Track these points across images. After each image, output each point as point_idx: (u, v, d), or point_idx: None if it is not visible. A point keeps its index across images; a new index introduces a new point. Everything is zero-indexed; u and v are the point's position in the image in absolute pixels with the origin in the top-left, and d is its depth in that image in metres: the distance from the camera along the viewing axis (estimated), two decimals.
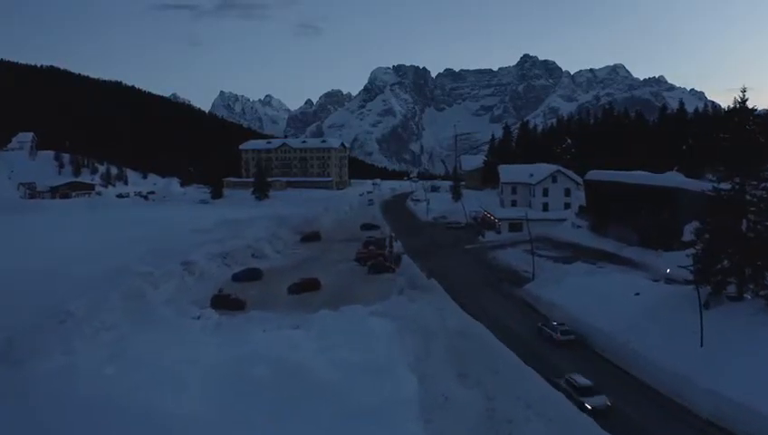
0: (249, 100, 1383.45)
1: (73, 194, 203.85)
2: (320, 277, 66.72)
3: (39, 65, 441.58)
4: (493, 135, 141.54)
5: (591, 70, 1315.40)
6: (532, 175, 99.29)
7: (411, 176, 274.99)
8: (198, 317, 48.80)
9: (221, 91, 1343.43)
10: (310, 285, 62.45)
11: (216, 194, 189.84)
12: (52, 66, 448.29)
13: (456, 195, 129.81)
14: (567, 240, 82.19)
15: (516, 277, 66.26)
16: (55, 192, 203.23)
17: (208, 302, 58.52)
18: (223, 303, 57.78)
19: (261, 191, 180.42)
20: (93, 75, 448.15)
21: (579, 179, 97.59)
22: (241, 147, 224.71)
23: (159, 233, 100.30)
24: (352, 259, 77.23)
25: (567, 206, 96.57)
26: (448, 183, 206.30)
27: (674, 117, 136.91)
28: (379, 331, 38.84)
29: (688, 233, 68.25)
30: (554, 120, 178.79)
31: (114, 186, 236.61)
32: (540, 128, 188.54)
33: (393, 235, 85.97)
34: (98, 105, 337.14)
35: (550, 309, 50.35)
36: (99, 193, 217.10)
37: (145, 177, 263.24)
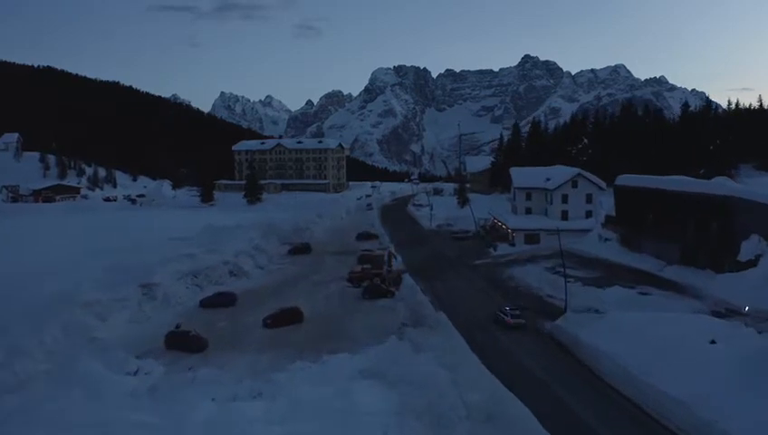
0: (249, 100, 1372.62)
1: (57, 198, 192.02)
2: (304, 304, 54.95)
3: (36, 65, 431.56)
4: (501, 135, 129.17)
5: (592, 70, 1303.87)
6: (549, 179, 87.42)
7: (412, 178, 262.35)
8: (135, 373, 36.96)
9: (221, 92, 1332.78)
10: (289, 317, 50.59)
11: (206, 197, 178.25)
12: (49, 66, 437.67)
13: (462, 200, 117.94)
14: (594, 256, 70.30)
15: (542, 305, 54.43)
16: (38, 195, 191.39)
17: (162, 340, 46.82)
18: (179, 342, 45.96)
19: (252, 195, 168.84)
20: (91, 76, 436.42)
21: (602, 184, 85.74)
22: (234, 147, 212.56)
23: (132, 243, 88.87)
24: (345, 278, 65.38)
25: (588, 214, 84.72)
26: (452, 185, 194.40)
27: (697, 116, 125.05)
28: (371, 408, 27.03)
29: (747, 251, 56.72)
30: (566, 119, 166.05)
31: (102, 189, 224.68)
32: (549, 128, 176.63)
33: (392, 250, 73.58)
34: (93, 106, 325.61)
35: (595, 359, 38.48)
36: (85, 196, 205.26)
37: (135, 179, 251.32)
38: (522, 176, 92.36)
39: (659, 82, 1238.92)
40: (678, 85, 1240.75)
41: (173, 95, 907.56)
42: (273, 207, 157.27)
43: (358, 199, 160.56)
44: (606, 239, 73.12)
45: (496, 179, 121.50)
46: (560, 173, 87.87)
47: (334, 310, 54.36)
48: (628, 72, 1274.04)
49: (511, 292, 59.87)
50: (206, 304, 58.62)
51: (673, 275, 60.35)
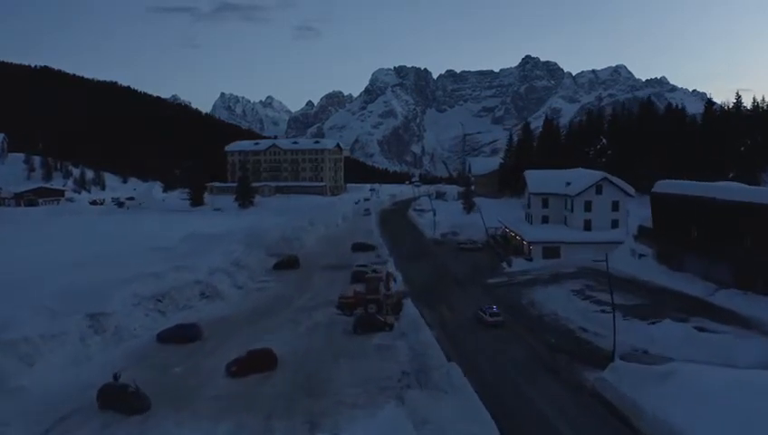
0: (250, 101, 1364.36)
1: (41, 201, 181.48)
2: (281, 341, 44.36)
3: (33, 65, 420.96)
4: (510, 135, 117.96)
5: (593, 71, 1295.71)
6: (569, 184, 76.61)
7: (413, 180, 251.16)
8: None
9: (222, 93, 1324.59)
10: (259, 363, 39.77)
11: (196, 201, 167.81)
12: (45, 66, 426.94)
13: (469, 205, 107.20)
14: (629, 275, 59.45)
15: (575, 343, 43.64)
16: (20, 198, 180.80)
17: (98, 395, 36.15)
18: (115, 400, 35.27)
19: (244, 198, 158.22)
20: (90, 76, 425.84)
21: (629, 189, 74.94)
22: (227, 148, 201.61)
23: (106, 253, 78.38)
24: (335, 304, 54.58)
25: (614, 224, 73.94)
26: (455, 188, 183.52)
27: (723, 115, 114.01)
28: None
29: None
30: (583, 117, 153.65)
31: (89, 191, 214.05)
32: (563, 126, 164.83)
33: (391, 269, 62.26)
34: (86, 106, 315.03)
35: None
36: (70, 199, 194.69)
37: (125, 181, 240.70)
38: (538, 180, 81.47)
39: (660, 82, 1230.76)
40: (679, 86, 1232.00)
41: (173, 96, 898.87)
42: (265, 211, 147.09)
43: (356, 204, 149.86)
44: (640, 255, 62.35)
45: (505, 182, 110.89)
46: (582, 177, 77.06)
47: (318, 350, 43.51)
48: (629, 72, 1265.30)
49: (535, 323, 49.08)
50: (165, 337, 47.89)
51: (728, 303, 49.55)
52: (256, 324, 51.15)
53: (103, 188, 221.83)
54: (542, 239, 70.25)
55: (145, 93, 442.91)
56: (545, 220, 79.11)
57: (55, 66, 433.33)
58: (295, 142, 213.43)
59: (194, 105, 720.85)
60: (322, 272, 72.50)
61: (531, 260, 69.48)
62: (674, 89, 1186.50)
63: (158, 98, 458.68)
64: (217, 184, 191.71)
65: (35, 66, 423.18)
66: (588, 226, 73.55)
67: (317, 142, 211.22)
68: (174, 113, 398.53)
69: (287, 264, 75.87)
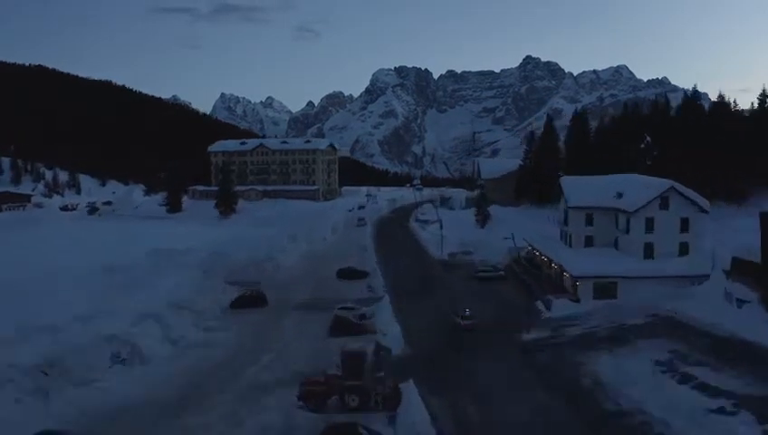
0: (250, 102, 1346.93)
1: (4, 207, 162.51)
2: None
3: (27, 64, 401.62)
4: (532, 132, 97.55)
5: (594, 71, 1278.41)
6: (621, 195, 57.15)
7: (414, 183, 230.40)
8: None
9: (222, 93, 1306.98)
10: None
11: (173, 207, 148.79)
12: (39, 65, 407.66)
13: (483, 217, 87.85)
14: (723, 331, 40.12)
15: None
16: None
17: None
18: None
19: (225, 204, 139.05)
20: (84, 75, 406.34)
21: (704, 203, 55.53)
22: (210, 148, 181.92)
23: (42, 276, 60.09)
24: (297, 393, 34.92)
25: (683, 249, 54.58)
26: (461, 192, 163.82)
27: None
28: None
29: None
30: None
31: (62, 195, 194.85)
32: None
33: (382, 348, 40.69)
34: (75, 105, 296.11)
35: None
36: (39, 205, 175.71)
37: (103, 184, 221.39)
38: (578, 189, 61.57)
39: (661, 83, 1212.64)
40: (680, 86, 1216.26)
41: (173, 96, 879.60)
42: (247, 219, 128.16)
43: (349, 211, 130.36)
44: (740, 301, 42.92)
45: (525, 188, 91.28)
46: (638, 187, 57.45)
47: None
48: (631, 72, 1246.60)
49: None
50: None
51: None
52: (172, 423, 31.99)
53: (78, 191, 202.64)
54: (593, 273, 50.75)
55: (140, 92, 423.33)
56: (589, 242, 59.59)
57: (56, 66, 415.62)
58: (285, 142, 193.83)
59: (194, 106, 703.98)
60: (294, 314, 53.32)
61: (578, 301, 50.11)
62: (675, 89, 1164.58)
63: (154, 97, 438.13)
64: (201, 187, 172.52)
65: (29, 64, 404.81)
66: (649, 251, 54.12)
67: (308, 142, 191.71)
68: (170, 113, 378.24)
69: (249, 300, 56.58)
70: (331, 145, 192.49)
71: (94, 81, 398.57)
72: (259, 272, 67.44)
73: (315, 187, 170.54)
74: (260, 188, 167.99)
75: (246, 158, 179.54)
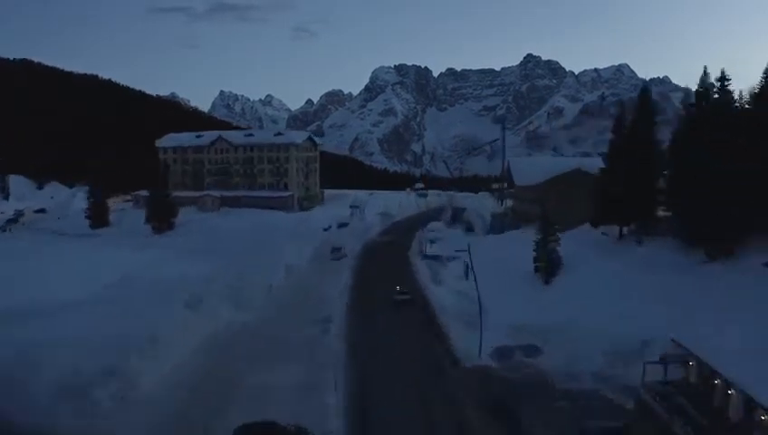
0: (249, 100, 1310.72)
1: None
2: None
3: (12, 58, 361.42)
4: (621, 112, 57.78)
5: (596, 69, 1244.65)
6: None
7: (416, 187, 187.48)
8: None
9: (221, 91, 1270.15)
10: None
11: (96, 220, 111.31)
12: (24, 58, 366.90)
13: (550, 266, 47.48)
14: None
15: None
16: None
17: None
18: None
19: (158, 218, 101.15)
20: (80, 72, 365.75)
21: None
22: (158, 143, 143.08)
23: None
24: None
25: None
26: (473, 197, 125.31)
27: None
28: None
29: None
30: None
31: None
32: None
33: None
34: (47, 100, 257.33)
35: None
36: None
37: (41, 187, 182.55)
38: None
39: (663, 81, 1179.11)
40: (682, 85, 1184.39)
41: (171, 93, 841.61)
42: (183, 241, 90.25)
43: (324, 230, 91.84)
44: None
45: (613, 207, 51.62)
46: None
47: None
48: (633, 71, 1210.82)
49: None
50: None
51: None
52: None
53: (7, 197, 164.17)
54: None
55: (127, 87, 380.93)
56: None
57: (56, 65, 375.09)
58: (250, 135, 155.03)
59: (193, 103, 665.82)
60: None
61: None
62: (677, 88, 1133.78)
63: (141, 92, 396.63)
64: (143, 193, 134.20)
65: (14, 59, 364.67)
66: None
67: (279, 135, 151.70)
68: (155, 107, 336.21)
69: None
70: (310, 139, 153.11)
71: (77, 74, 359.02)
72: (82, 409, 29.08)
73: (288, 193, 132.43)
74: (217, 193, 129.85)
75: (203, 155, 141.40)
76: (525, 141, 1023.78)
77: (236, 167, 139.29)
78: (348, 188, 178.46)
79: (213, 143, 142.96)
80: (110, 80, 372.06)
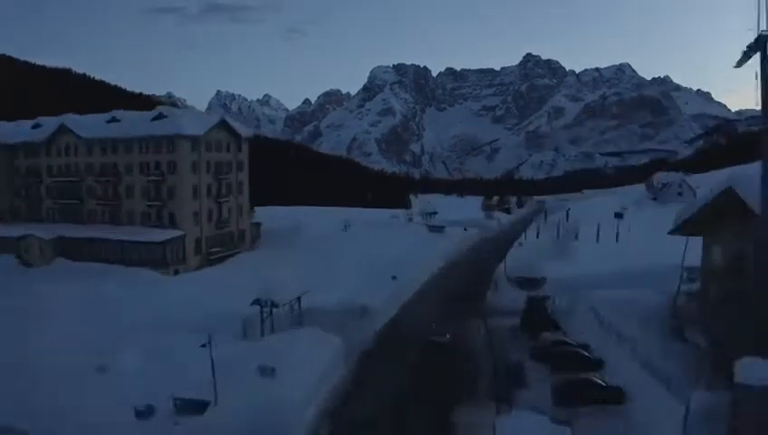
0: (246, 99, 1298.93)
1: None
2: None
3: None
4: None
5: (597, 69, 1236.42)
6: None
7: (423, 209, 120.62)
8: None
9: (218, 91, 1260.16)
10: None
11: None
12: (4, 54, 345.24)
13: None
14: None
15: None
16: None
17: None
18: None
19: None
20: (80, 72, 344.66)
21: None
22: None
23: None
24: None
25: None
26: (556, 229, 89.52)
27: None
28: None
29: None
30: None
31: None
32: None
33: None
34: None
35: None
36: None
37: None
38: None
39: (664, 81, 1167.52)
40: (683, 85, 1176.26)
41: (168, 93, 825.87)
42: None
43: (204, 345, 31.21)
44: None
45: None
46: None
47: None
48: (634, 71, 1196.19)
49: None
50: None
51: None
52: None
53: None
54: None
55: (102, 81, 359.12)
56: None
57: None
58: (114, 120, 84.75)
59: (189, 103, 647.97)
60: None
61: None
62: (678, 88, 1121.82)
63: (117, 87, 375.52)
64: None
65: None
66: None
67: (160, 118, 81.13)
68: (146, 109, 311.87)
69: None
70: (224, 123, 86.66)
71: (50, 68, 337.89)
72: None
73: (174, 232, 75.28)
74: (44, 235, 76.00)
75: (41, 159, 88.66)
76: (525, 141, 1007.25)
77: (90, 180, 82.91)
78: (324, 202, 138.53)
79: (53, 137, 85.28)
80: (84, 73, 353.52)
